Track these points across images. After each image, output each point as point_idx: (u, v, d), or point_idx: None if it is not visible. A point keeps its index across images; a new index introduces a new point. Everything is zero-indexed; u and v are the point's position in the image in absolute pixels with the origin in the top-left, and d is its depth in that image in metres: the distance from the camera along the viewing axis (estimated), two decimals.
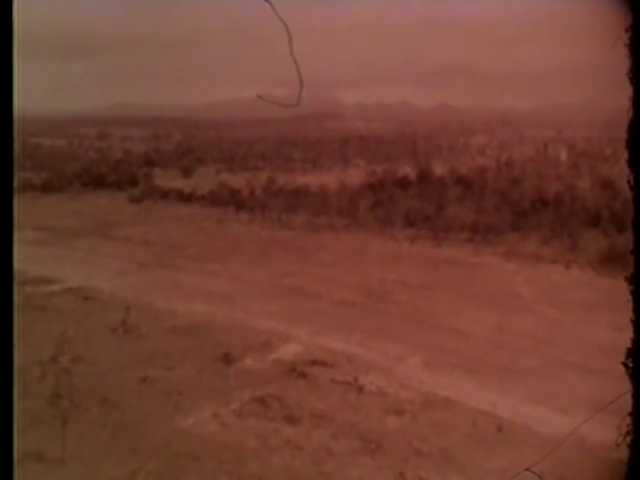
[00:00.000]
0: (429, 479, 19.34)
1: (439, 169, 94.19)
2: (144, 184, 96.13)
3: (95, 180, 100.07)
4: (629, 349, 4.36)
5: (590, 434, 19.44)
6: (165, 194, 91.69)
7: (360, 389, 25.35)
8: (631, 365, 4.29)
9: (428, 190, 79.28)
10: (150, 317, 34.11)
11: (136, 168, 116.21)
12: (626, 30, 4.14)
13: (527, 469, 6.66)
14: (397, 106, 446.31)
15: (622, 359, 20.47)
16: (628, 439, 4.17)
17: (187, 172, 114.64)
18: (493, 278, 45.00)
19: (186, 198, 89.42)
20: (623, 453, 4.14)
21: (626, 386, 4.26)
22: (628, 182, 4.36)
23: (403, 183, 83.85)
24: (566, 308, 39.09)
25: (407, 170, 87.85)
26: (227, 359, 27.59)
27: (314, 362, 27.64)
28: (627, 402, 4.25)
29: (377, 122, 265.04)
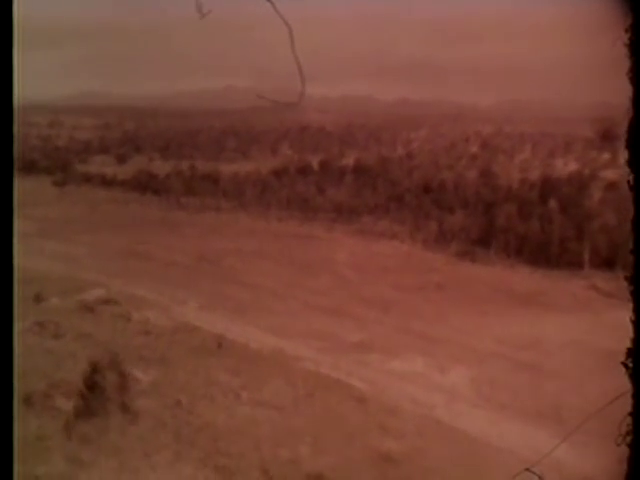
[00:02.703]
0: (132, 373, 26.49)
1: (347, 159, 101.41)
2: (70, 170, 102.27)
3: (27, 166, 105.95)
4: (629, 349, 4.28)
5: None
6: (89, 179, 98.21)
7: (129, 319, 32.55)
8: (631, 365, 4.20)
9: (326, 177, 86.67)
10: None
11: (73, 155, 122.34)
12: (626, 30, 4.02)
13: (527, 469, 6.40)
14: (361, 99, 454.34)
15: (388, 317, 30.24)
16: (628, 439, 4.09)
17: (122, 159, 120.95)
18: (323, 249, 52.41)
19: (108, 183, 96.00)
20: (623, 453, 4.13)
21: (626, 386, 4.21)
22: (628, 182, 4.15)
23: (305, 171, 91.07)
24: (366, 271, 46.64)
25: (311, 159, 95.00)
26: (37, 298, 34.58)
27: (107, 301, 34.75)
28: (627, 402, 4.20)
29: (332, 114, 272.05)
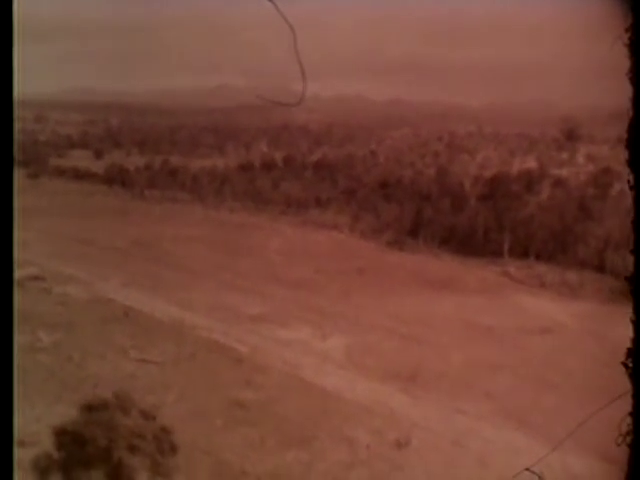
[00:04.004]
0: (42, 338, 29.99)
1: (314, 156, 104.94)
2: (45, 164, 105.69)
3: None
4: (629, 349, 4.38)
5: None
6: (63, 172, 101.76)
7: (50, 293, 36.12)
8: (631, 365, 4.25)
9: (288, 172, 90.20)
10: None
11: (52, 149, 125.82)
12: (626, 30, 4.07)
13: (527, 469, 6.56)
14: (353, 99, 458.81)
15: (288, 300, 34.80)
16: (628, 439, 4.12)
17: (99, 154, 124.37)
18: (261, 237, 55.85)
19: (80, 176, 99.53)
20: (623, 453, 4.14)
21: (626, 386, 4.24)
22: (628, 182, 4.32)
23: (270, 165, 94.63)
24: (293, 257, 50.11)
25: (277, 156, 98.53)
26: None
27: (36, 278, 38.26)
28: (627, 402, 4.23)
29: (319, 113, 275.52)
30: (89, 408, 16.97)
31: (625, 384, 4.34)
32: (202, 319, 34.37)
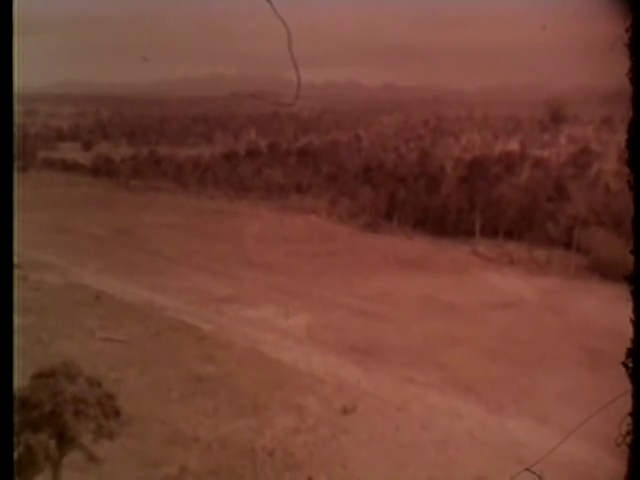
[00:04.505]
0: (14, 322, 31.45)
1: (299, 142, 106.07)
2: (33, 156, 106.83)
3: None
4: (629, 349, 4.18)
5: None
6: (51, 164, 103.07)
7: (26, 279, 37.55)
8: (631, 365, 4.13)
9: (272, 159, 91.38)
10: None
11: (42, 142, 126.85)
12: (626, 30, 4.04)
13: (527, 469, 6.32)
14: (347, 85, 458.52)
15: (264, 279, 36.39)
16: (628, 439, 4.08)
17: (88, 146, 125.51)
18: (239, 223, 57.26)
19: (68, 168, 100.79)
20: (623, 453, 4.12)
21: (626, 386, 4.17)
22: (628, 182, 4.12)
23: (255, 153, 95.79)
24: (267, 241, 51.53)
25: (261, 142, 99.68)
26: None
27: (18, 267, 39.66)
28: (627, 402, 4.19)
29: (311, 101, 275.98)
30: (38, 375, 18.40)
31: (625, 384, 4.26)
32: (172, 301, 35.84)
